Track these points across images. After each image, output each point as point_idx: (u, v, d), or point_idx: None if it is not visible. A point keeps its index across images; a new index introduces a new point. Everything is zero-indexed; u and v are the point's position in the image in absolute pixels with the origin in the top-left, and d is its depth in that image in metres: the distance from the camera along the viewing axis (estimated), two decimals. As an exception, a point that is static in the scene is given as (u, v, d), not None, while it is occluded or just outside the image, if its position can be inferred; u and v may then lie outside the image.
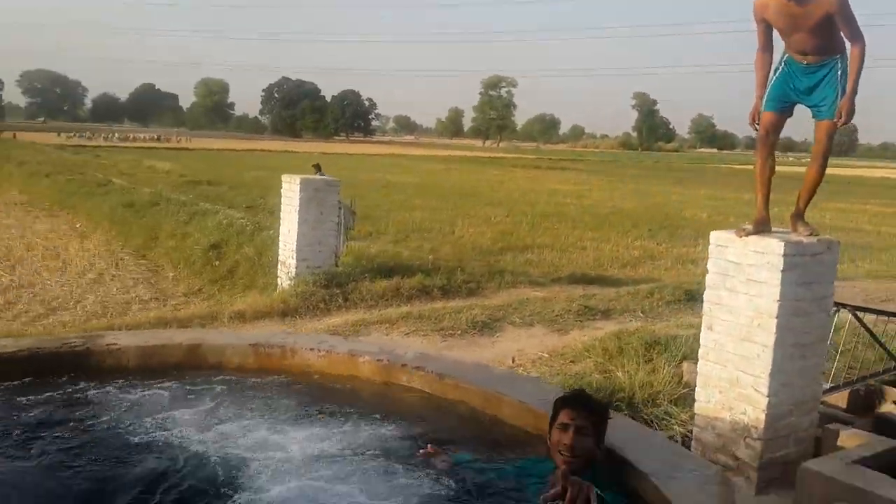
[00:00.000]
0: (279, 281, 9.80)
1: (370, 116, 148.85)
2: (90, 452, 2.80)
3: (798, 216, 4.69)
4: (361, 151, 72.40)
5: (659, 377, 6.10)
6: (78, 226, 18.90)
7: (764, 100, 4.60)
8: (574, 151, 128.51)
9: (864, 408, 5.87)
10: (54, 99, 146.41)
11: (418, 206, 22.66)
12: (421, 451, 2.86)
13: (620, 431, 2.97)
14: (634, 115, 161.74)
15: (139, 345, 3.88)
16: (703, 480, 2.61)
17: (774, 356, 4.41)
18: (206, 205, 18.03)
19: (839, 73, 4.33)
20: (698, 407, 4.92)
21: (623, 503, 2.56)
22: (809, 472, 4.07)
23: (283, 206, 9.80)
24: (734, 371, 4.63)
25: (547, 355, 7.07)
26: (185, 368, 3.78)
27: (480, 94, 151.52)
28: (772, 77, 4.58)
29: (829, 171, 4.72)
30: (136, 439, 2.92)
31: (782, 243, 4.33)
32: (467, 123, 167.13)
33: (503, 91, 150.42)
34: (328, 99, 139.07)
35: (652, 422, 5.72)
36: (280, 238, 9.94)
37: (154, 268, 14.42)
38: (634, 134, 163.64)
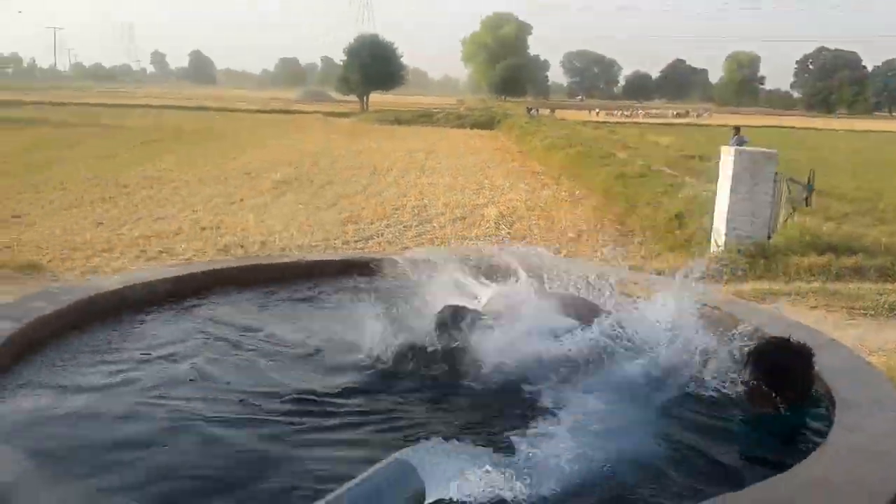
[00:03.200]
0: (711, 248, 10.17)
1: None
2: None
3: None
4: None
5: None
6: (576, 193, 21.33)
7: None
8: None
9: None
10: (591, 77, 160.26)
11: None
12: None
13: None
14: None
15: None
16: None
17: None
18: (687, 178, 18.80)
19: None
20: None
21: None
22: None
23: (720, 177, 10.16)
24: None
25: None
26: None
27: None
28: None
29: None
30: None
31: None
32: None
33: None
34: (870, 69, 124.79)
35: None
36: (715, 207, 10.32)
37: (626, 232, 15.78)
38: None
